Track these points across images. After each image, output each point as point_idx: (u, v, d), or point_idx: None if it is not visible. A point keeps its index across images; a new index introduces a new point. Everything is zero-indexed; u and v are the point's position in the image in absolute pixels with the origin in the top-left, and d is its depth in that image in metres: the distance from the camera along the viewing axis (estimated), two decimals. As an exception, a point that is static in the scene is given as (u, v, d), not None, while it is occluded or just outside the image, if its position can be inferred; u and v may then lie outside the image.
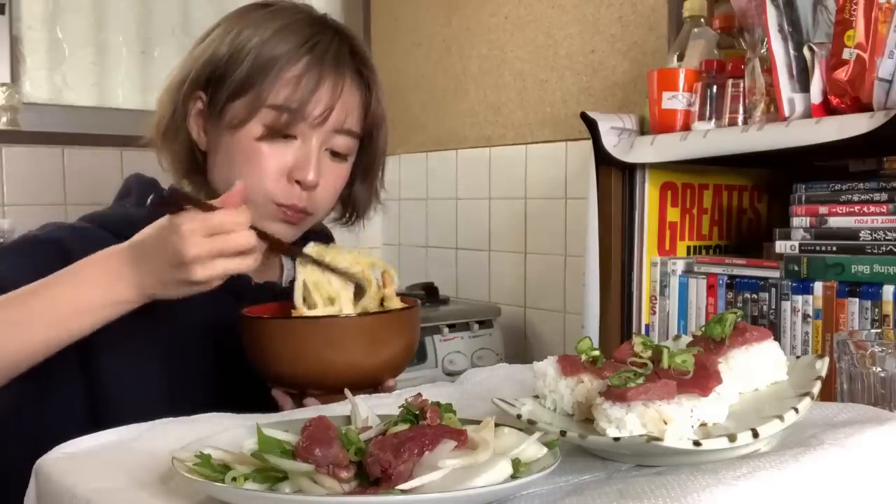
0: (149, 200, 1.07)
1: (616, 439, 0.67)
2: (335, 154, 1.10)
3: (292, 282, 1.08)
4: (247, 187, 1.04)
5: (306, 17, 1.10)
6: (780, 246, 1.35)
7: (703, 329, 0.83)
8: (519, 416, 0.75)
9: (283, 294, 1.13)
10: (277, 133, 1.05)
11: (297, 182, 1.07)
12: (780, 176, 1.63)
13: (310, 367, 0.95)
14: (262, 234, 0.94)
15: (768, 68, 1.34)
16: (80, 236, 1.04)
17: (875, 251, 1.25)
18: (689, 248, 1.60)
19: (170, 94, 1.10)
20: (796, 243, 1.33)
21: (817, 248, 1.31)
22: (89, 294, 0.90)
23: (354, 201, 1.21)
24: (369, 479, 0.62)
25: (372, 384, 1.00)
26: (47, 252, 1.00)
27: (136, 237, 0.92)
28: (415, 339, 1.04)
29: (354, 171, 1.17)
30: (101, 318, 0.91)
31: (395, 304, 1.06)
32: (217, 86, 1.06)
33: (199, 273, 0.88)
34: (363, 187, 1.20)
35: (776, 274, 1.35)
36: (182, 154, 1.11)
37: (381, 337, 0.97)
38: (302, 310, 1.00)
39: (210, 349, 1.06)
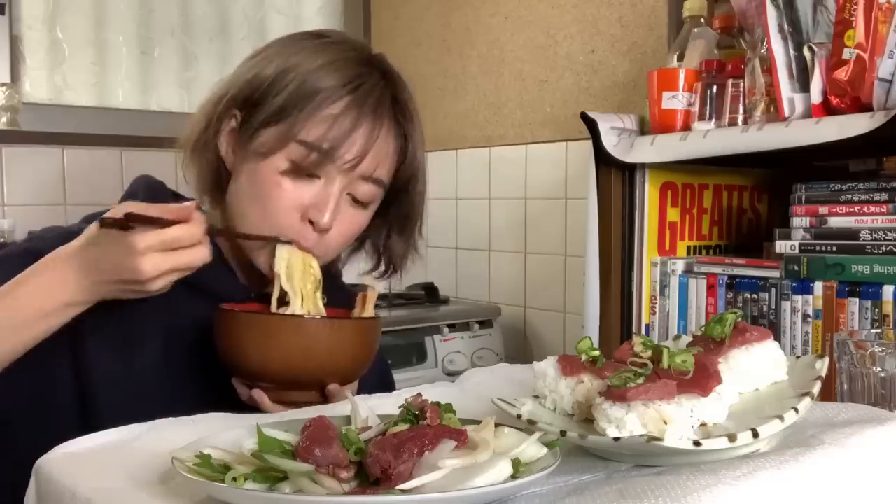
0: (92, 217, 1.04)
1: (616, 439, 0.67)
2: (356, 200, 1.07)
3: None
4: (260, 218, 1.03)
5: (357, 55, 1.06)
6: (780, 246, 1.35)
7: (703, 329, 0.83)
8: (519, 416, 0.75)
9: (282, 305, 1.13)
10: (303, 171, 1.02)
11: (311, 222, 1.04)
12: (780, 176, 1.63)
13: (251, 360, 0.97)
14: (220, 233, 0.95)
15: (768, 68, 1.34)
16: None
17: (875, 251, 1.25)
18: (689, 248, 1.60)
19: (206, 108, 1.08)
20: (796, 243, 1.33)
21: (817, 248, 1.31)
22: (42, 300, 0.91)
23: (391, 253, 1.17)
24: (369, 479, 0.62)
25: (314, 386, 0.99)
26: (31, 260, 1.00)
27: (88, 248, 0.92)
28: (365, 352, 1.03)
29: (391, 223, 1.14)
30: (56, 321, 0.92)
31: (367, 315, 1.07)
32: (253, 107, 1.04)
33: (155, 286, 0.90)
34: (400, 239, 1.16)
35: (776, 274, 1.35)
36: (207, 170, 1.08)
37: (320, 340, 0.97)
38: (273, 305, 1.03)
39: (200, 356, 1.05)
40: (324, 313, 1.05)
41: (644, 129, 1.57)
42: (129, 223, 0.89)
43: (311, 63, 1.02)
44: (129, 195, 1.14)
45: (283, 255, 1.03)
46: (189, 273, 0.93)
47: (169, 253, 0.90)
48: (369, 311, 1.07)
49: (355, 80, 1.03)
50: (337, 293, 1.16)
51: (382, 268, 1.19)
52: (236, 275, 1.11)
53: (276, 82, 1.02)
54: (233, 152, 1.07)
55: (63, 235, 1.04)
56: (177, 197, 1.14)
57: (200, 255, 0.92)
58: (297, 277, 1.03)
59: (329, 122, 1.01)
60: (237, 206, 1.06)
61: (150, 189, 1.12)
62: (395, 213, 1.14)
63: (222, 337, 1.00)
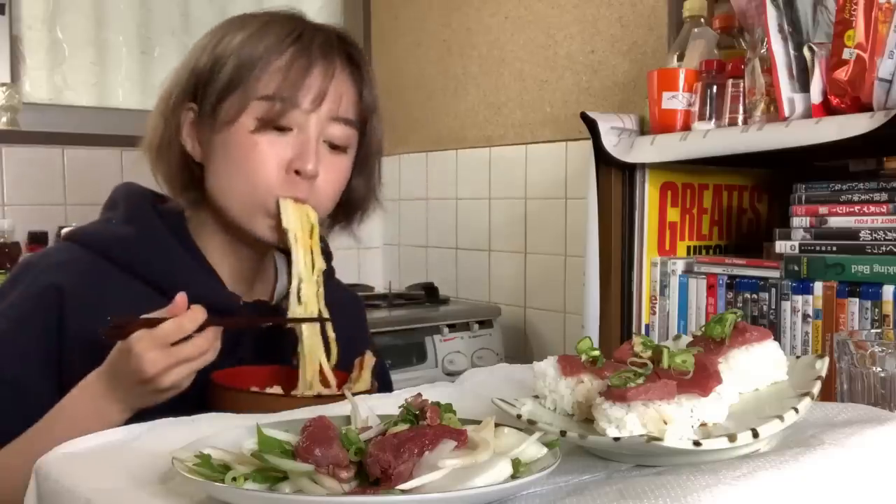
0: (72, 235, 1.08)
1: (616, 439, 0.67)
2: (334, 147, 1.08)
3: (284, 298, 1.08)
4: (246, 184, 1.04)
5: (286, 14, 1.09)
6: (780, 246, 1.35)
7: (703, 329, 0.83)
8: (519, 416, 0.75)
9: (272, 312, 1.13)
10: (271, 123, 1.03)
11: (297, 173, 1.04)
12: (780, 176, 1.63)
13: None
14: (217, 322, 0.95)
15: (768, 68, 1.34)
16: (69, 270, 1.03)
17: (875, 251, 1.25)
18: (689, 248, 1.60)
19: (158, 109, 1.09)
20: (796, 243, 1.33)
21: (817, 248, 1.31)
22: (86, 429, 0.91)
23: (352, 195, 1.17)
24: (369, 479, 0.62)
25: None
26: (45, 304, 1.00)
27: (107, 363, 0.94)
28: None
29: (352, 164, 1.14)
30: None
31: (361, 386, 1.06)
32: (204, 92, 1.05)
33: (164, 383, 0.91)
34: (360, 181, 1.16)
35: (776, 274, 1.35)
36: (177, 170, 1.08)
37: None
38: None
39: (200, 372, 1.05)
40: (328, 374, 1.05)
41: (644, 129, 1.57)
42: (122, 329, 0.91)
43: (244, 33, 1.05)
44: (111, 204, 1.13)
45: (289, 209, 1.04)
46: (201, 366, 0.94)
47: (166, 349, 0.90)
48: (365, 379, 1.07)
49: (293, 32, 1.05)
50: (335, 292, 1.16)
51: (345, 213, 1.18)
52: (223, 283, 1.10)
53: (217, 61, 1.04)
54: (199, 144, 1.07)
55: (53, 265, 1.04)
56: (161, 200, 1.12)
57: (197, 347, 0.92)
58: (300, 233, 1.05)
59: (283, 72, 1.03)
60: (220, 186, 1.06)
61: (130, 197, 1.11)
62: (356, 153, 1.13)
63: (214, 409, 1.00)
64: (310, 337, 1.05)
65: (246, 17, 1.09)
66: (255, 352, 1.10)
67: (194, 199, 1.09)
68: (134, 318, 0.93)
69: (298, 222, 1.05)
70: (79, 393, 0.95)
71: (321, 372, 1.05)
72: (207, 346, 0.94)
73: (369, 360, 1.08)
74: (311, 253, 1.07)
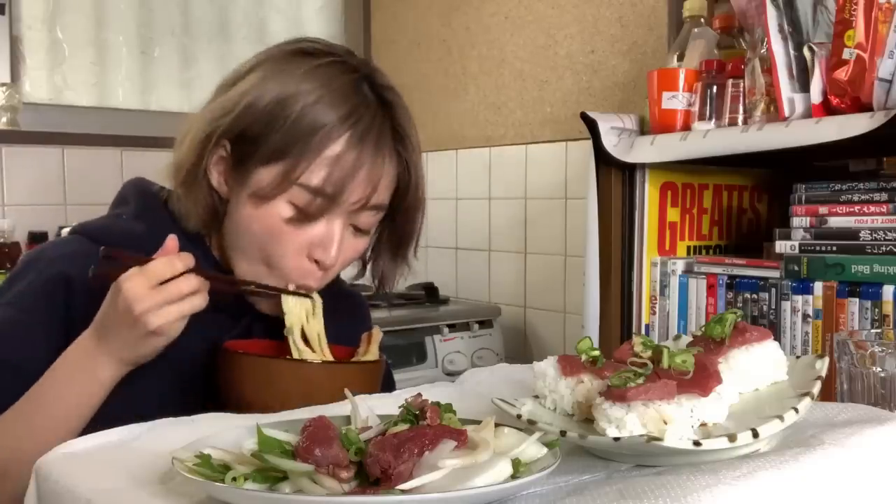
0: (80, 229, 1.08)
1: (616, 439, 0.67)
2: (357, 229, 1.05)
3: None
4: (264, 262, 1.03)
5: (350, 80, 1.01)
6: (780, 246, 1.35)
7: (703, 329, 0.83)
8: (519, 416, 0.75)
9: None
10: (306, 219, 1.00)
11: (316, 261, 1.03)
12: (780, 176, 1.63)
13: (252, 401, 0.97)
14: (205, 276, 0.96)
15: (768, 68, 1.34)
16: (77, 260, 1.02)
17: (875, 251, 1.25)
18: (689, 248, 1.60)
19: (195, 141, 1.02)
20: (796, 243, 1.33)
21: (817, 248, 1.31)
22: (78, 388, 0.94)
23: (382, 274, 1.15)
24: (369, 479, 0.62)
25: None
26: (52, 294, 1.01)
27: (98, 313, 0.95)
28: (366, 393, 1.01)
29: (382, 243, 1.12)
30: (97, 400, 0.95)
31: (370, 358, 1.06)
32: (249, 142, 1.00)
33: (153, 322, 0.91)
34: (392, 263, 1.14)
35: (776, 274, 1.35)
36: (203, 204, 1.04)
37: (321, 384, 0.96)
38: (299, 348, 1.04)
39: (203, 365, 1.04)
40: (326, 352, 1.05)
41: (644, 129, 1.57)
42: (111, 270, 0.92)
43: (307, 95, 0.98)
44: (121, 199, 1.12)
45: (289, 301, 1.04)
46: (193, 311, 0.94)
47: (155, 287, 0.90)
48: (373, 352, 1.07)
49: (354, 113, 0.99)
50: (338, 290, 1.16)
51: (375, 285, 1.17)
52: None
53: (272, 116, 0.98)
54: (225, 182, 1.04)
55: (58, 258, 1.04)
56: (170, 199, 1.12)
57: (185, 284, 0.92)
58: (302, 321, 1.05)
59: (331, 164, 0.98)
60: (236, 244, 1.05)
61: (141, 194, 1.11)
62: (392, 236, 1.12)
63: (223, 376, 1.01)
64: (297, 314, 1.05)
65: (310, 68, 1.01)
66: (266, 337, 1.10)
67: (214, 228, 1.08)
68: (123, 255, 0.93)
69: (300, 309, 1.05)
70: (70, 349, 0.95)
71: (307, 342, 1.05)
72: (197, 285, 0.93)
73: (377, 334, 1.08)
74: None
